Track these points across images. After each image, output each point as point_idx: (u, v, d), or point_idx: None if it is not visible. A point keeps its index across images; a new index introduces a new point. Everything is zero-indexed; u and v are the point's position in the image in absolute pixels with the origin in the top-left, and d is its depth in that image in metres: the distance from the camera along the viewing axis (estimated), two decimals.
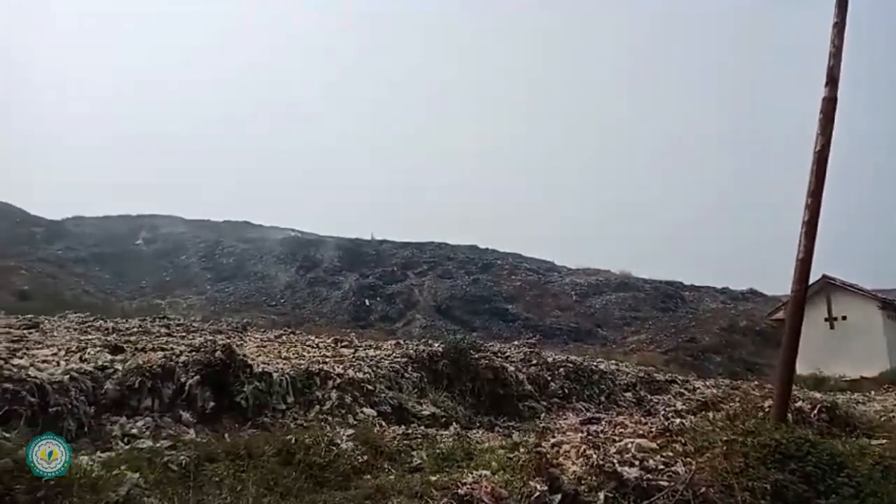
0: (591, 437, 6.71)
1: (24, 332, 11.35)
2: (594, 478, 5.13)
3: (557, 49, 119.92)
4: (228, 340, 8.93)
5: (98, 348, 8.19)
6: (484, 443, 7.50)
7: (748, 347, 30.73)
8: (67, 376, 6.29)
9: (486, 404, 10.56)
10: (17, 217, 38.72)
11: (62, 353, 7.84)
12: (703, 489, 5.07)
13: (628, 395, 13.24)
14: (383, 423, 8.16)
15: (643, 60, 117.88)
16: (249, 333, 16.60)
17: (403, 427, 8.21)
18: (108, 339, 10.57)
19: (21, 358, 6.86)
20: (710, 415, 8.15)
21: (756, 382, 16.03)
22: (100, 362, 7.15)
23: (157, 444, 5.75)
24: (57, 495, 4.10)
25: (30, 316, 15.56)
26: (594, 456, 5.47)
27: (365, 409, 8.48)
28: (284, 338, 15.03)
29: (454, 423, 8.97)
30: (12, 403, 5.62)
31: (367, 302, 35.52)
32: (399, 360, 10.69)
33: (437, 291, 36.63)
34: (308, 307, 34.34)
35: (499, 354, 12.46)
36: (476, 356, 11.20)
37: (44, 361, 6.91)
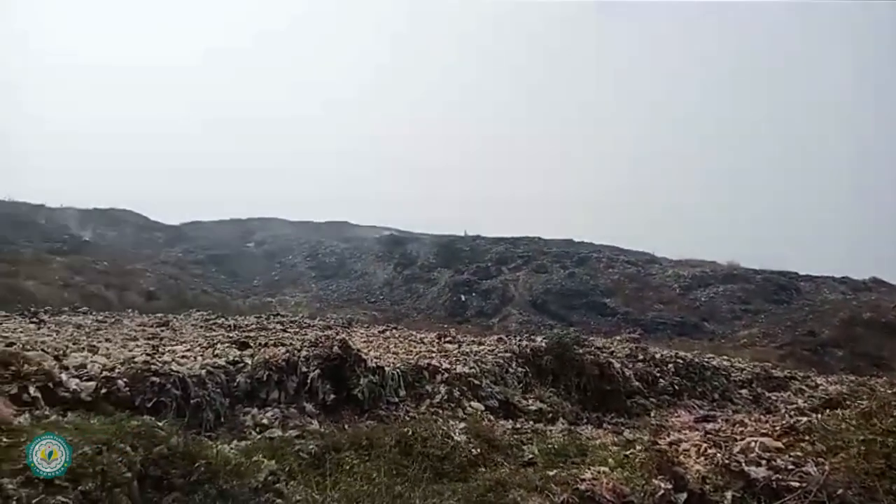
0: (710, 436, 6.49)
1: (158, 329, 12.43)
2: (719, 477, 4.96)
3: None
4: (342, 336, 9.33)
5: (226, 344, 8.85)
6: (595, 439, 7.43)
7: (872, 341, 28.29)
8: (204, 370, 6.85)
9: (593, 400, 10.41)
10: (140, 223, 42.15)
11: (196, 349, 8.52)
12: (840, 491, 4.78)
13: (744, 392, 12.62)
14: (491, 418, 8.28)
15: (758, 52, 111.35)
16: (354, 329, 17.29)
17: (511, 421, 8.29)
18: (232, 335, 11.38)
19: (164, 354, 7.55)
20: (840, 413, 7.67)
21: (884, 378, 14.86)
22: (230, 357, 7.73)
23: (287, 434, 6.16)
24: (208, 480, 4.49)
25: (159, 315, 16.99)
26: (718, 455, 5.30)
27: (473, 404, 8.64)
28: (388, 333, 15.52)
29: (561, 419, 8.96)
30: (160, 395, 6.20)
31: (462, 297, 35.82)
32: (503, 355, 10.77)
33: (532, 286, 36.36)
34: (406, 303, 35.11)
35: (603, 350, 12.24)
36: (580, 351, 11.07)
37: (183, 357, 7.55)
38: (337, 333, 12.09)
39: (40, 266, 25.06)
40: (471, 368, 9.55)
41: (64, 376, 6.08)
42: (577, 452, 6.41)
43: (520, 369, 10.40)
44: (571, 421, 9.05)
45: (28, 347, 7.53)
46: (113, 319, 15.06)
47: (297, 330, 14.35)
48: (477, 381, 9.22)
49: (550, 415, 9.12)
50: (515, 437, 7.21)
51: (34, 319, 13.50)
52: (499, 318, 32.92)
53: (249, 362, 7.53)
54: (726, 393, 12.17)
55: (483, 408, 8.59)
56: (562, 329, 18.43)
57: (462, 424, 7.01)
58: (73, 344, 8.71)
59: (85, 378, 6.26)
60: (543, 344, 11.25)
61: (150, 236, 40.47)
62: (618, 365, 11.02)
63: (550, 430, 7.90)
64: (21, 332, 10.50)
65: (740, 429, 7.19)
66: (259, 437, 6.08)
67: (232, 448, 5.39)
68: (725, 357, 16.45)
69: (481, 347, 11.66)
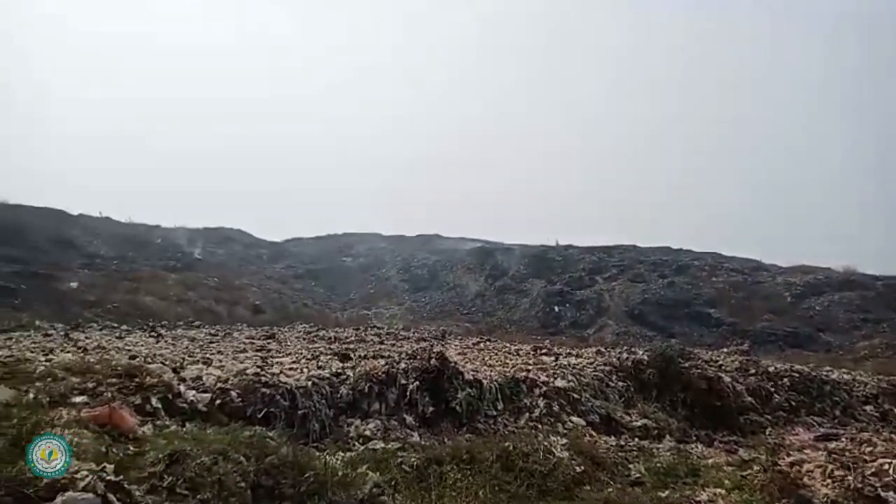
0: (835, 456, 5.96)
1: (265, 342, 13.02)
2: (852, 503, 4.53)
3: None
4: (439, 348, 9.37)
5: (329, 356, 9.11)
6: (707, 458, 7.02)
7: None
8: (310, 382, 7.07)
9: (701, 417, 9.86)
10: (247, 241, 44.56)
11: (302, 360, 8.83)
12: None
13: (868, 408, 11.52)
14: (593, 433, 8.02)
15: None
16: (449, 341, 17.37)
17: (614, 438, 8.01)
18: (333, 347, 11.74)
19: (272, 366, 7.87)
20: None
21: None
22: (333, 369, 7.94)
23: (389, 446, 6.23)
24: (316, 491, 4.59)
25: (266, 328, 17.83)
26: (848, 477, 4.84)
27: (573, 418, 8.41)
28: (482, 345, 15.51)
29: (668, 436, 8.54)
30: (269, 406, 6.45)
31: (555, 308, 35.19)
32: (602, 368, 10.43)
33: (628, 296, 35.17)
34: (498, 314, 34.91)
35: (711, 363, 11.60)
36: (685, 365, 10.55)
37: (290, 368, 7.84)
38: (432, 345, 12.18)
39: (157, 283, 27.01)
40: (569, 382, 9.31)
41: (182, 388, 6.45)
42: (688, 472, 6.08)
43: (621, 383, 10.03)
44: (679, 438, 8.60)
45: (149, 360, 8.08)
46: (224, 333, 15.96)
47: (394, 342, 14.61)
48: (576, 395, 8.98)
49: (656, 431, 8.72)
50: (620, 454, 6.96)
51: (153, 333, 14.53)
52: (594, 329, 32.07)
53: (351, 374, 7.69)
54: (848, 409, 11.17)
55: (584, 423, 8.35)
56: (662, 341, 17.66)
57: (563, 440, 6.85)
58: (189, 357, 9.25)
59: (201, 390, 6.62)
60: (645, 357, 10.82)
61: (256, 253, 42.63)
62: (728, 379, 10.39)
63: (657, 448, 7.56)
64: (142, 345, 11.33)
65: (869, 449, 6.58)
66: (363, 448, 6.18)
67: (337, 459, 5.50)
68: (845, 370, 15.12)
69: (579, 360, 11.36)
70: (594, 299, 35.45)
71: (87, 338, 12.58)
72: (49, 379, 5.83)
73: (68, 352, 9.17)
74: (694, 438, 8.90)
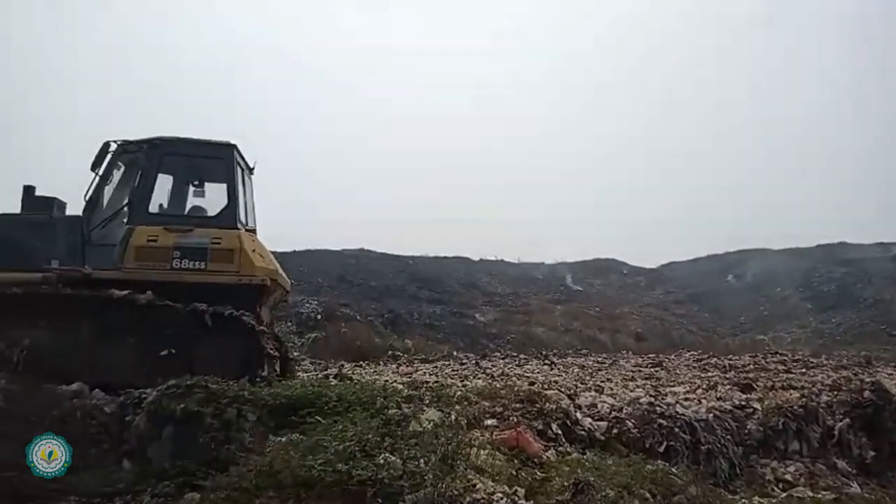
0: None
1: (652, 370, 12.67)
2: None
3: None
4: (870, 378, 7.66)
5: (727, 386, 8.27)
6: None
7: None
8: (711, 415, 6.45)
9: None
10: (623, 270, 44.70)
11: (698, 391, 8.21)
12: None
13: None
14: None
15: None
16: (876, 368, 14.37)
17: None
18: (728, 376, 10.73)
19: (665, 396, 7.48)
20: None
21: None
22: (735, 401, 7.13)
23: (818, 495, 5.23)
24: None
25: (650, 355, 17.43)
26: None
27: None
28: None
29: None
30: (668, 439, 6.07)
31: None
32: None
33: None
34: None
35: None
36: None
37: (685, 399, 7.33)
38: (858, 374, 10.17)
39: (545, 315, 29.15)
40: None
41: (578, 415, 6.56)
42: None
43: None
44: None
45: (545, 386, 8.51)
46: (610, 361, 16.15)
47: (804, 370, 12.65)
48: None
49: None
50: None
51: (546, 361, 15.50)
52: None
53: (758, 407, 6.78)
54: None
55: None
56: None
57: None
58: (581, 384, 9.50)
59: (596, 417, 6.64)
60: None
61: (633, 281, 42.42)
62: None
63: None
64: (538, 372, 12.17)
65: None
66: (784, 495, 5.31)
67: None
68: None
69: None
70: None
71: (492, 366, 14.14)
72: (465, 402, 6.55)
73: (479, 378, 10.37)
74: None
